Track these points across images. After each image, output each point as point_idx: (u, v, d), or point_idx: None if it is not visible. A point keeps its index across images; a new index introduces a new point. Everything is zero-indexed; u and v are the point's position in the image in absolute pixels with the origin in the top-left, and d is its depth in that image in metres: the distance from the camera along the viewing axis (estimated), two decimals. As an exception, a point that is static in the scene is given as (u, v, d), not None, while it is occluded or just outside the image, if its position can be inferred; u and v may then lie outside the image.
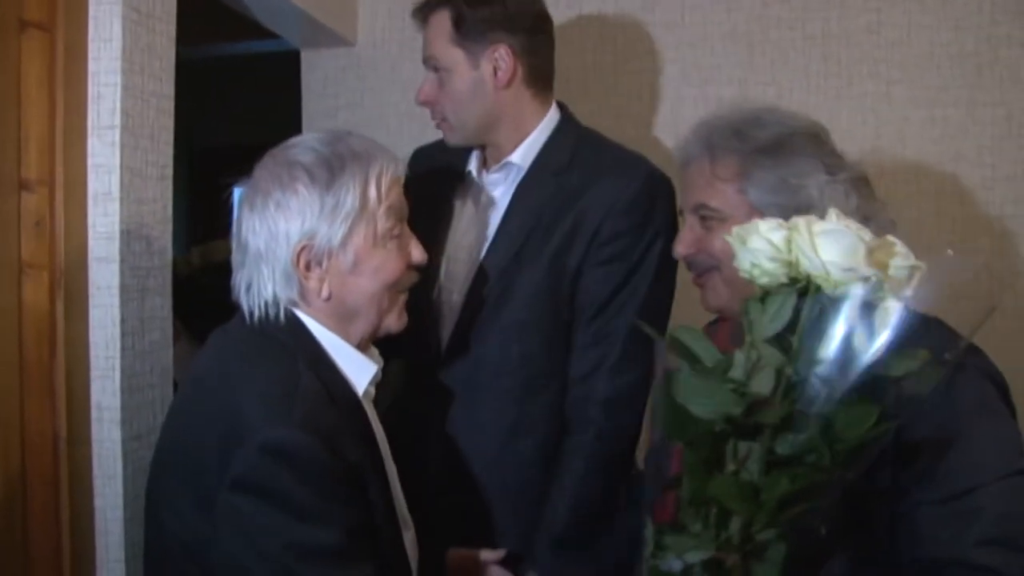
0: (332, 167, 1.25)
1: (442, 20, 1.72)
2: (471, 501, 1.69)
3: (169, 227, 1.76)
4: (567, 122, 1.82)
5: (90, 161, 1.62)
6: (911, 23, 2.43)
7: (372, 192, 1.26)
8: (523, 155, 1.77)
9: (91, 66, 1.62)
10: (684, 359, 0.97)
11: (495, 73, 1.71)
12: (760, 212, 1.29)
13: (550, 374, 1.72)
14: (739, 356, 0.94)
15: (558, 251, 1.69)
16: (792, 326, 0.92)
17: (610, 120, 2.61)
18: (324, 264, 1.26)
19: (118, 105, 1.61)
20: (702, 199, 1.38)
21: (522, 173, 1.76)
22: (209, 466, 1.14)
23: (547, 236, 1.70)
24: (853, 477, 0.96)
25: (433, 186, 1.82)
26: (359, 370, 1.31)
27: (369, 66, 2.75)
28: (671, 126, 2.57)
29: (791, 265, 0.92)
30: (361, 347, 1.33)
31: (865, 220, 1.08)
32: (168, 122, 1.76)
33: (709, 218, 1.38)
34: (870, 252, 0.90)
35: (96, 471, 1.63)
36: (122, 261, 1.61)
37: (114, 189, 1.61)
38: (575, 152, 1.77)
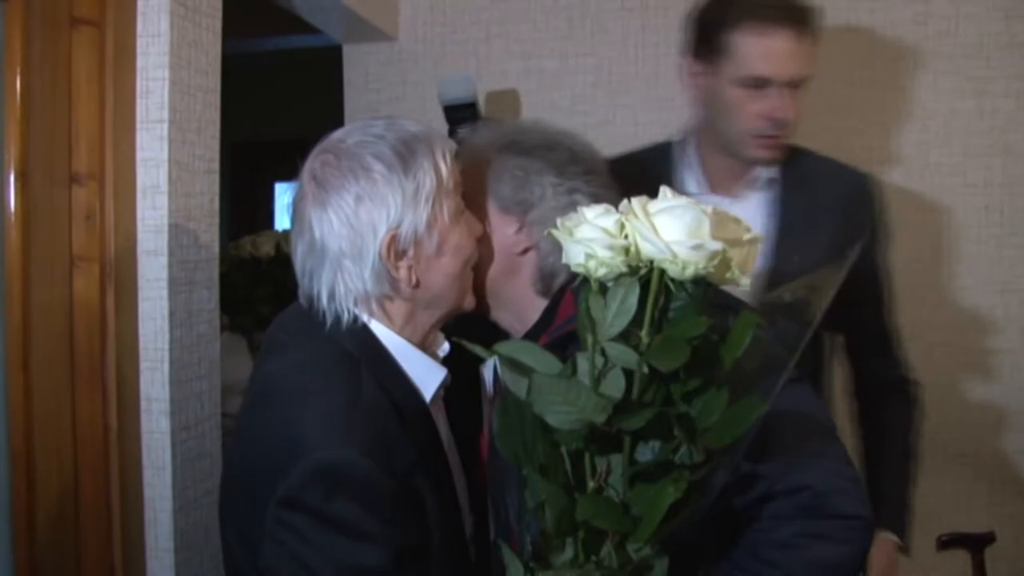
0: (401, 152, 1.20)
1: (808, 35, 1.62)
2: None
3: (216, 220, 1.77)
4: None
5: (139, 155, 1.63)
6: (959, 14, 2.41)
7: (444, 169, 1.23)
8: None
9: (139, 61, 1.64)
10: (519, 375, 0.89)
11: None
12: (499, 210, 1.34)
13: None
14: (582, 361, 0.86)
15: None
16: (638, 319, 0.84)
17: (653, 113, 2.60)
18: (411, 251, 1.22)
19: (166, 100, 1.63)
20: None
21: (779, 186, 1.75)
22: (271, 484, 1.12)
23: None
24: (729, 469, 0.93)
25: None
26: (428, 376, 1.26)
27: (410, 60, 2.76)
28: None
29: (628, 251, 0.84)
30: (428, 344, 1.30)
31: None
32: (214, 116, 1.77)
33: None
34: (714, 227, 0.83)
35: (145, 462, 1.65)
36: (170, 254, 1.63)
37: (162, 183, 1.63)
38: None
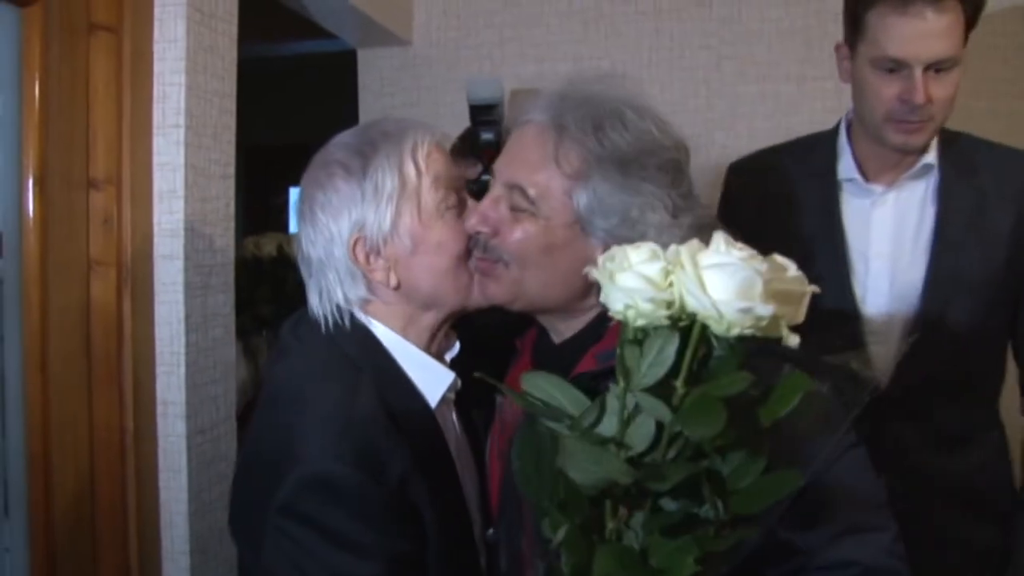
0: (364, 153, 1.21)
1: (956, 11, 1.51)
2: None
3: (231, 225, 1.78)
4: None
5: (155, 160, 1.64)
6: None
7: (410, 168, 1.21)
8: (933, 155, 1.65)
9: (156, 66, 1.65)
10: (542, 411, 0.84)
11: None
12: (580, 226, 1.15)
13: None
14: (612, 403, 0.81)
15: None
16: (675, 370, 0.78)
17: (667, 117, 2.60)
18: (382, 251, 1.21)
19: (182, 104, 1.64)
20: (522, 180, 1.18)
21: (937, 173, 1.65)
22: (270, 488, 1.14)
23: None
24: (762, 533, 0.85)
25: (803, 190, 1.73)
26: (433, 380, 1.25)
27: (425, 65, 2.77)
28: (728, 121, 2.55)
29: (671, 305, 0.78)
30: (435, 346, 1.29)
31: None
32: (230, 121, 1.78)
33: (520, 207, 1.18)
34: (766, 283, 0.76)
35: (161, 464, 1.65)
36: (186, 258, 1.64)
37: (178, 187, 1.64)
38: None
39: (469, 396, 1.32)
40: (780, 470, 0.80)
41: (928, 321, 1.60)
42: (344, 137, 1.26)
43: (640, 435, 0.80)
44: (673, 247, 0.80)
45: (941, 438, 1.65)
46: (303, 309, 1.29)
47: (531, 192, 1.16)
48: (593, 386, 0.87)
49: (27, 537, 1.45)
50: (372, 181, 1.19)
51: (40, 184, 1.46)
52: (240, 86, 1.81)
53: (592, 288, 1.17)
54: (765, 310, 0.74)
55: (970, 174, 1.63)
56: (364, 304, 1.25)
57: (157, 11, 1.64)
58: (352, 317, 1.23)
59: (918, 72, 1.49)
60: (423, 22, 2.77)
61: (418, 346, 1.26)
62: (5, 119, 1.43)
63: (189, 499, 1.65)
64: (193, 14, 1.65)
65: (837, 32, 2.40)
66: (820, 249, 1.66)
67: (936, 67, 1.50)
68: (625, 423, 0.81)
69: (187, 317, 1.64)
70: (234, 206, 1.79)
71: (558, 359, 1.23)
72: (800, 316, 0.79)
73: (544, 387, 0.85)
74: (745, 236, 0.83)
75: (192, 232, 1.65)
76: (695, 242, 0.80)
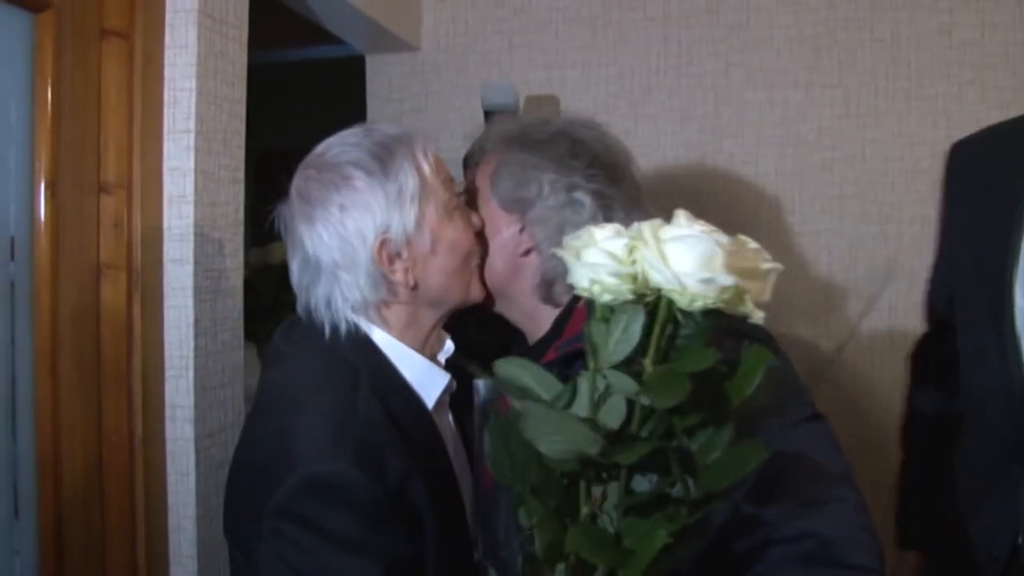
0: (380, 155, 1.21)
1: None
2: None
3: (240, 230, 1.79)
4: None
5: (166, 164, 1.65)
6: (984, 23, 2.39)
7: (426, 167, 1.23)
8: None
9: (167, 72, 1.66)
10: (516, 395, 0.84)
11: None
12: (501, 208, 1.32)
13: None
14: (583, 385, 0.82)
15: None
16: (643, 347, 0.79)
17: (675, 123, 2.61)
18: (404, 253, 1.22)
19: (193, 110, 1.65)
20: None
21: None
22: (266, 493, 1.14)
23: None
24: (729, 509, 0.87)
25: (1003, 180, 1.50)
26: (430, 382, 1.26)
27: (433, 71, 2.78)
28: (736, 128, 2.56)
29: (636, 279, 0.79)
30: (430, 346, 1.30)
31: None
32: (240, 126, 1.79)
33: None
34: (729, 257, 0.77)
35: (169, 468, 1.66)
36: (196, 263, 1.64)
37: (188, 192, 1.64)
38: None
39: (464, 398, 1.34)
40: (742, 442, 0.80)
41: None
42: (344, 140, 1.25)
43: (612, 414, 0.81)
44: (636, 224, 0.81)
45: None
46: (295, 316, 1.29)
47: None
48: (565, 374, 0.89)
49: (37, 539, 1.46)
50: (395, 182, 1.20)
51: (51, 188, 1.46)
52: (251, 92, 1.82)
53: (551, 289, 1.31)
54: (727, 280, 0.75)
55: None
56: (381, 306, 1.24)
57: (168, 17, 1.65)
58: (347, 321, 1.23)
59: None
60: (432, 28, 2.78)
61: (414, 348, 1.27)
62: (17, 123, 1.44)
63: (197, 503, 1.65)
64: (204, 20, 1.66)
65: (846, 39, 2.43)
66: None
67: None
68: (597, 403, 0.81)
69: (196, 321, 1.64)
70: (243, 211, 1.80)
71: (531, 359, 1.24)
72: (767, 294, 0.80)
73: (516, 372, 0.86)
74: None
75: (202, 236, 1.66)
76: (657, 220, 0.81)
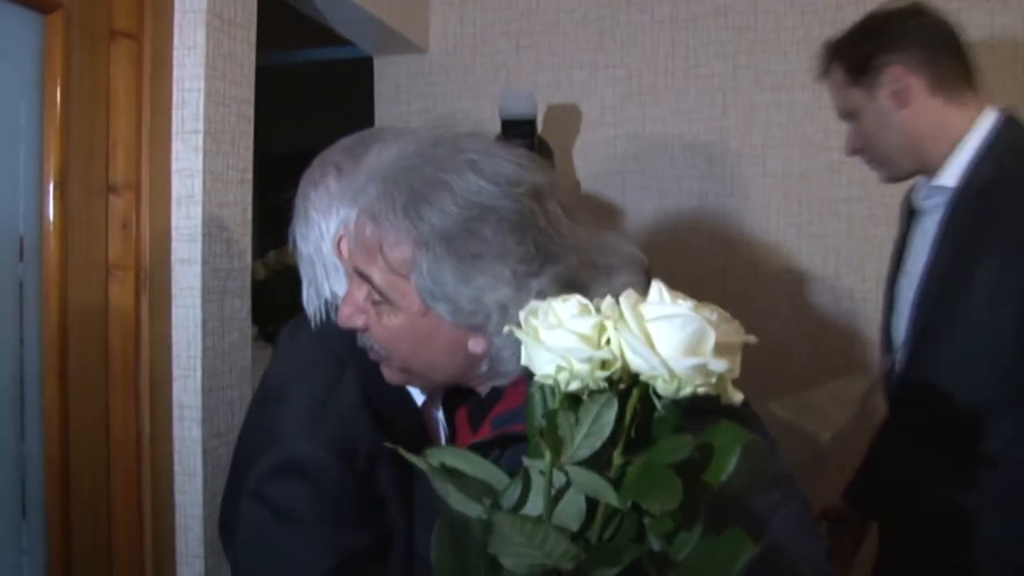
0: (357, 154, 1.24)
1: (836, 72, 1.69)
2: None
3: (248, 230, 1.79)
4: (1003, 129, 1.57)
5: (174, 165, 1.66)
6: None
7: None
8: (952, 175, 1.58)
9: (176, 73, 1.66)
10: (459, 490, 0.72)
11: (892, 96, 1.61)
12: (430, 310, 1.01)
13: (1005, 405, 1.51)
14: (536, 482, 0.71)
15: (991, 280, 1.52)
16: (612, 439, 0.68)
17: (683, 125, 2.61)
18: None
19: (201, 110, 1.65)
20: (365, 270, 1.03)
21: (949, 195, 1.59)
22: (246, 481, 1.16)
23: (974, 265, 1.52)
24: None
25: (903, 220, 1.80)
26: None
27: (440, 72, 2.78)
28: (744, 130, 2.55)
29: (609, 364, 0.67)
30: None
31: None
32: (248, 127, 1.79)
33: (375, 299, 1.04)
34: (719, 336, 0.67)
35: (177, 468, 1.66)
36: (204, 263, 1.65)
37: (197, 192, 1.65)
38: (1002, 164, 1.54)
39: (454, 391, 1.33)
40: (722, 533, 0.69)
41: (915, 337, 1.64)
42: (344, 140, 1.30)
43: (569, 515, 0.70)
44: (608, 299, 0.70)
45: None
46: (303, 315, 1.30)
47: (377, 283, 1.02)
48: (487, 455, 0.78)
49: (45, 538, 1.46)
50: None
51: (60, 189, 1.47)
52: (259, 93, 1.82)
53: (483, 358, 1.05)
54: (719, 366, 0.66)
55: (984, 189, 1.54)
56: None
57: (177, 18, 1.66)
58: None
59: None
60: (439, 30, 2.78)
61: None
62: (27, 124, 1.45)
63: (204, 503, 1.65)
64: (212, 21, 1.67)
65: (853, 41, 2.40)
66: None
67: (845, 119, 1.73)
68: (553, 501, 0.70)
69: (204, 321, 1.65)
70: (251, 212, 1.80)
71: (480, 412, 1.14)
72: (737, 369, 0.69)
73: (455, 462, 0.74)
74: None
75: (210, 237, 1.66)
76: (632, 293, 0.70)
